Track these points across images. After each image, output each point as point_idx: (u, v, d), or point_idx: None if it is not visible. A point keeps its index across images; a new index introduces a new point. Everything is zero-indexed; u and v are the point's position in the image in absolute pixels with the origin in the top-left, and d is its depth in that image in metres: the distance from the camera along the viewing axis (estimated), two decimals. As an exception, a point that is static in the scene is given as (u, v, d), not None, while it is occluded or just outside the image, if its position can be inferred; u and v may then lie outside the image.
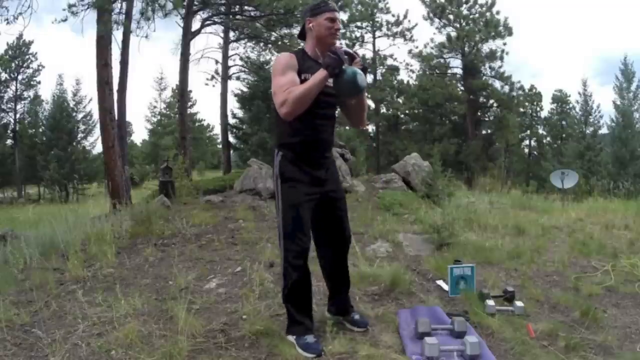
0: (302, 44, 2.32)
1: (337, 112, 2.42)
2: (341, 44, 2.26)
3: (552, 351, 2.21)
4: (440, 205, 5.99)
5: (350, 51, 2.23)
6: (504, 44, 22.06)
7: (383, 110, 24.58)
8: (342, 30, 22.59)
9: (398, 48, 37.20)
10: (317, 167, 2.24)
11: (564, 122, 28.26)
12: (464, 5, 22.82)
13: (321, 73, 2.04)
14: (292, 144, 2.20)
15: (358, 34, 23.27)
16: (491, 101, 24.00)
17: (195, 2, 12.56)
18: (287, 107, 2.01)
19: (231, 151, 19.56)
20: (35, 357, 2.13)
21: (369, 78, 23.83)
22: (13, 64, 25.10)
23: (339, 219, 2.36)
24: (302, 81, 2.09)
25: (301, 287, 2.22)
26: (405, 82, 24.47)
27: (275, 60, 2.20)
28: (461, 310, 2.72)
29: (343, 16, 20.56)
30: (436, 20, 23.34)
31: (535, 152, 29.79)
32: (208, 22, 14.20)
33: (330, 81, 2.12)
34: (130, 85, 8.68)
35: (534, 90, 28.29)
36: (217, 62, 17.73)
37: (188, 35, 12.26)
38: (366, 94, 2.33)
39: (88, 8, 7.50)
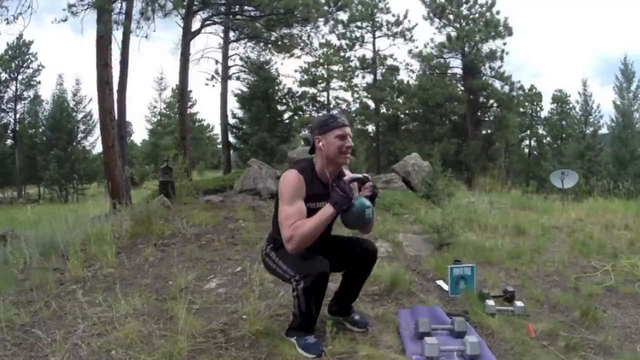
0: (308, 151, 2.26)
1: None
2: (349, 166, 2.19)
3: (552, 351, 2.21)
4: (440, 205, 5.99)
5: (360, 176, 2.14)
6: (504, 44, 22.07)
7: (383, 110, 24.55)
8: (342, 31, 22.63)
9: (398, 48, 37.22)
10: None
11: (564, 122, 28.29)
12: (464, 5, 22.81)
13: (328, 210, 2.02)
14: None
15: (358, 34, 23.27)
16: (491, 101, 23.98)
17: (195, 2, 12.57)
18: (293, 244, 2.00)
19: (231, 151, 19.59)
20: (35, 357, 2.13)
21: (369, 78, 23.85)
22: (13, 64, 25.19)
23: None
24: (309, 209, 2.07)
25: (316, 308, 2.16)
26: (405, 82, 24.44)
27: (283, 180, 2.12)
28: (461, 310, 2.72)
29: (343, 16, 20.58)
30: (436, 20, 23.34)
31: (535, 152, 29.82)
32: (208, 22, 14.23)
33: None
34: (130, 85, 8.69)
35: (534, 90, 28.36)
36: (217, 62, 17.80)
37: (188, 35, 12.26)
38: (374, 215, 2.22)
39: (88, 8, 7.50)
